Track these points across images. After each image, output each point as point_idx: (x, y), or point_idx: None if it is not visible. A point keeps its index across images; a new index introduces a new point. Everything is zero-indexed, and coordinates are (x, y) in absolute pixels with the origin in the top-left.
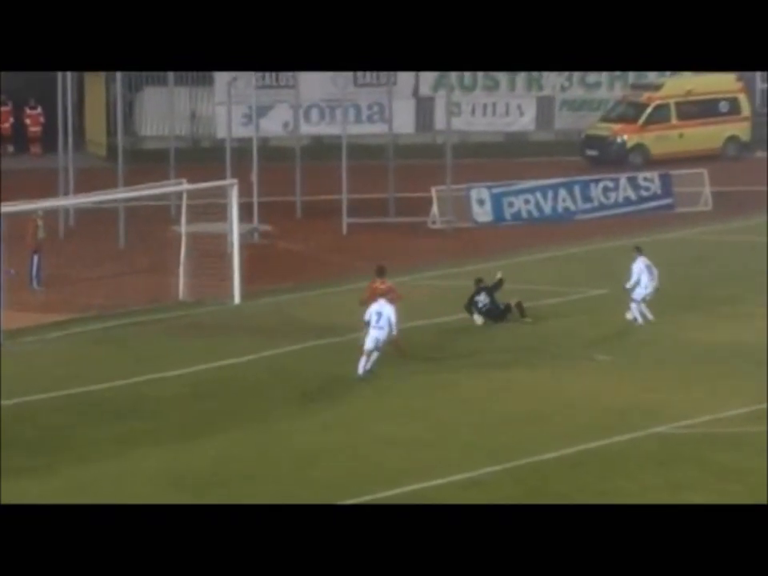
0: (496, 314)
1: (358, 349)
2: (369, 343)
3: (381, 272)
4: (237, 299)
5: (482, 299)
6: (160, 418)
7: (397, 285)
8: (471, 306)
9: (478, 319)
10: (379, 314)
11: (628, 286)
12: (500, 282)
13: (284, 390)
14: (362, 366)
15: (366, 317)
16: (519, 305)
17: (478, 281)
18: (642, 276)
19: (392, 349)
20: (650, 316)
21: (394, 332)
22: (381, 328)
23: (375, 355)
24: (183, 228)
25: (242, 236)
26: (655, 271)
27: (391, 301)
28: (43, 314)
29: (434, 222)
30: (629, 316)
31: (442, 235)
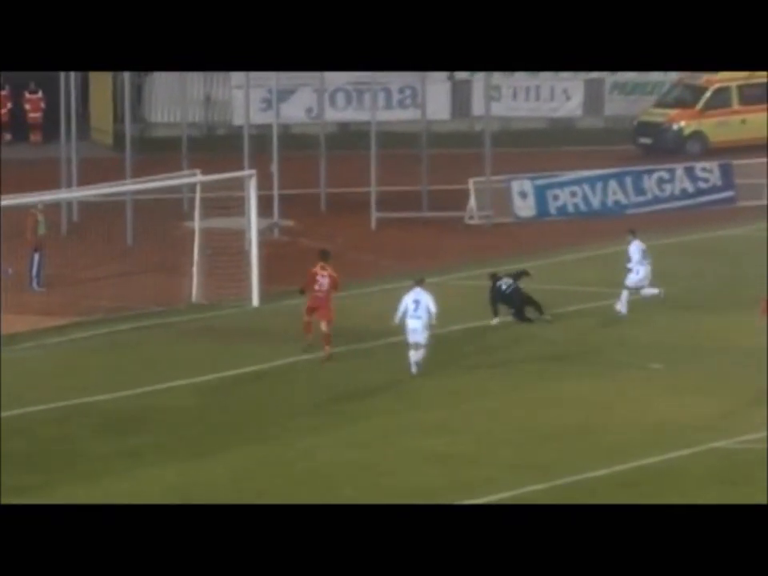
0: (518, 300)
1: (387, 356)
2: (410, 336)
3: (325, 256)
4: (255, 301)
5: (506, 282)
6: (170, 431)
7: (430, 286)
8: (495, 293)
9: (495, 320)
10: (417, 303)
11: (630, 265)
12: (524, 273)
13: (306, 402)
14: (412, 363)
15: (402, 308)
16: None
17: (493, 275)
18: (636, 263)
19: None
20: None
21: (434, 321)
22: (419, 317)
23: (421, 353)
24: (197, 223)
25: (260, 232)
26: (649, 259)
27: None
28: (43, 318)
29: (471, 218)
30: (618, 306)
31: (480, 232)
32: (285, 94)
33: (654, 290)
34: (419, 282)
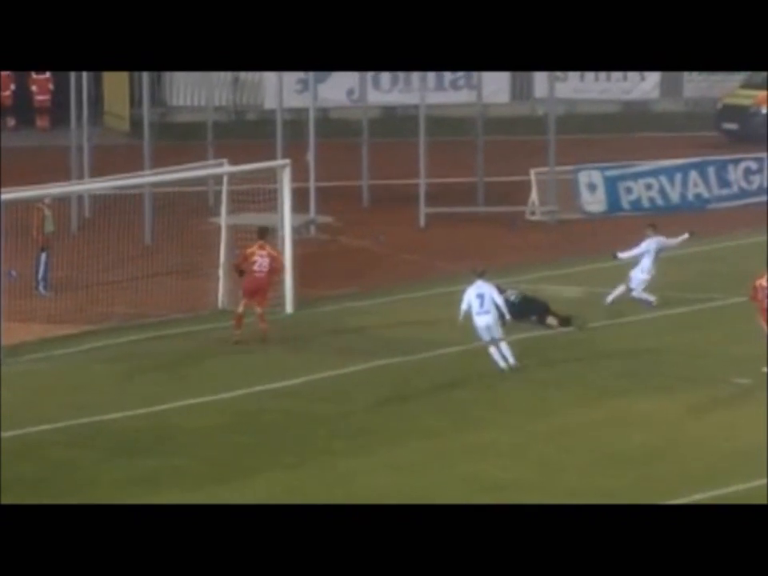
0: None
1: (437, 370)
2: (484, 335)
3: (263, 233)
4: (289, 307)
5: (512, 293)
6: (191, 454)
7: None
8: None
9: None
10: (481, 297)
11: (624, 255)
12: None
13: (345, 420)
14: (498, 358)
15: (464, 305)
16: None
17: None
18: (644, 259)
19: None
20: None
21: (507, 316)
22: (487, 312)
23: (504, 345)
24: (223, 220)
25: (295, 229)
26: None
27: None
28: (51, 326)
29: (533, 213)
30: (609, 299)
31: (543, 228)
32: (323, 75)
33: (651, 297)
34: (481, 275)
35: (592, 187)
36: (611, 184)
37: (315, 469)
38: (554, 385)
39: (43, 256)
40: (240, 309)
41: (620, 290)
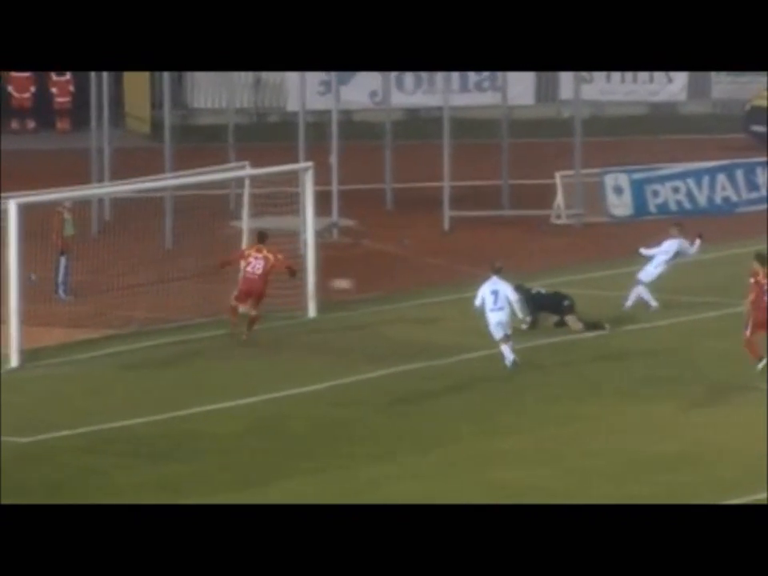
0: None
1: (461, 374)
2: (496, 331)
3: (262, 238)
4: (311, 312)
5: (536, 289)
6: (212, 460)
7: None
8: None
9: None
10: (495, 294)
11: (646, 252)
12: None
13: (370, 425)
14: (508, 354)
15: (478, 302)
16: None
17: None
18: (660, 256)
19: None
20: (653, 303)
21: (519, 314)
22: (501, 309)
23: (506, 346)
24: (245, 223)
25: (317, 233)
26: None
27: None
28: (71, 330)
29: (558, 217)
30: (629, 303)
31: (569, 232)
32: (346, 76)
33: (653, 302)
34: (497, 271)
35: (618, 190)
36: (638, 187)
37: (337, 475)
38: (580, 390)
39: (63, 260)
40: (233, 303)
41: (642, 291)
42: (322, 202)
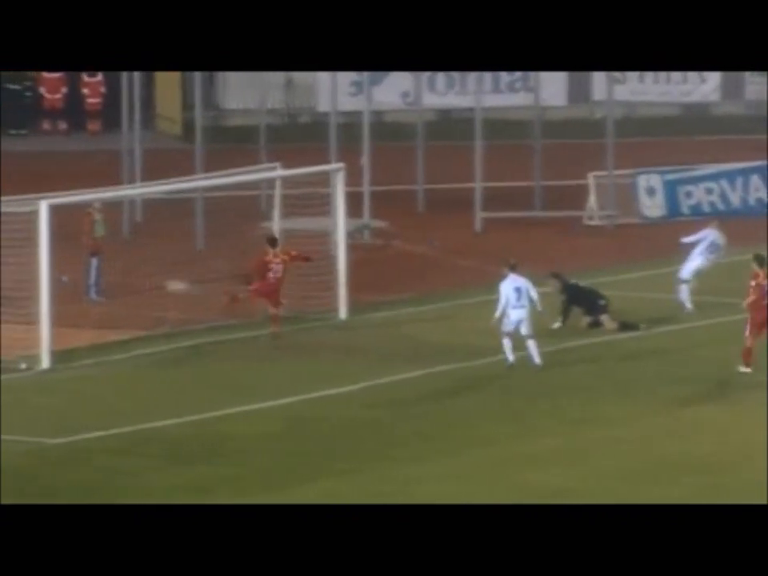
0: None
1: (493, 376)
2: (508, 326)
3: (273, 243)
4: (342, 313)
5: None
6: (246, 461)
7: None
8: (573, 293)
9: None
10: (518, 291)
11: (687, 239)
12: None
13: (403, 427)
14: (509, 351)
15: (503, 300)
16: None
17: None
18: (698, 246)
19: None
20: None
21: (539, 308)
22: (523, 306)
23: (532, 343)
24: (276, 224)
25: (349, 234)
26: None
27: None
28: (102, 331)
29: (591, 217)
30: (688, 306)
31: (602, 233)
32: (377, 77)
33: (688, 304)
34: (513, 268)
35: (651, 191)
36: (671, 188)
37: (370, 476)
38: (611, 391)
39: (94, 261)
40: (241, 295)
41: (684, 289)
42: (353, 203)
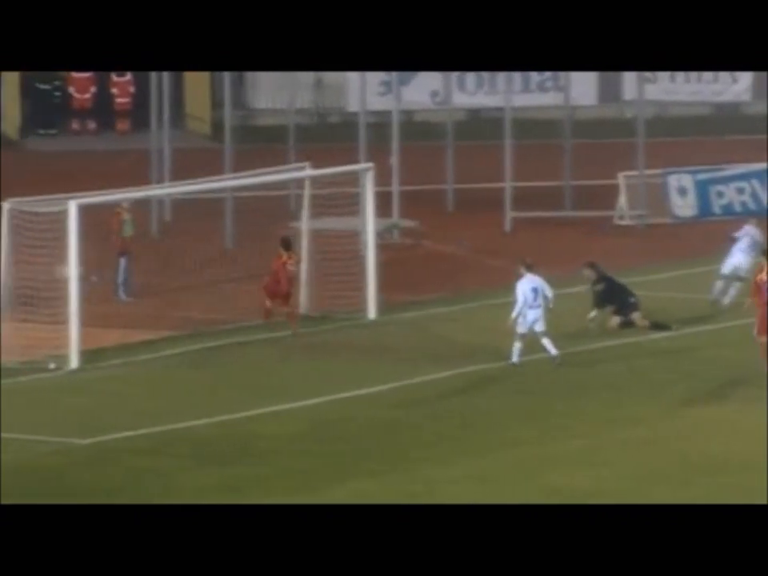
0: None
1: (521, 377)
2: (523, 326)
3: (287, 245)
4: (372, 313)
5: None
6: (275, 461)
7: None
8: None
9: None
10: (535, 291)
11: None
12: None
13: (429, 428)
14: (517, 353)
15: (521, 299)
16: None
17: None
18: (739, 243)
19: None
20: (726, 299)
21: (551, 305)
22: (539, 306)
23: (546, 340)
24: (305, 224)
25: (378, 234)
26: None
27: None
28: (131, 331)
29: (621, 217)
30: (720, 298)
31: (632, 233)
32: (407, 76)
33: (726, 299)
34: (529, 267)
35: (682, 191)
36: (702, 188)
37: (398, 477)
38: (641, 392)
39: (123, 260)
40: (268, 304)
41: (718, 285)
42: (383, 203)
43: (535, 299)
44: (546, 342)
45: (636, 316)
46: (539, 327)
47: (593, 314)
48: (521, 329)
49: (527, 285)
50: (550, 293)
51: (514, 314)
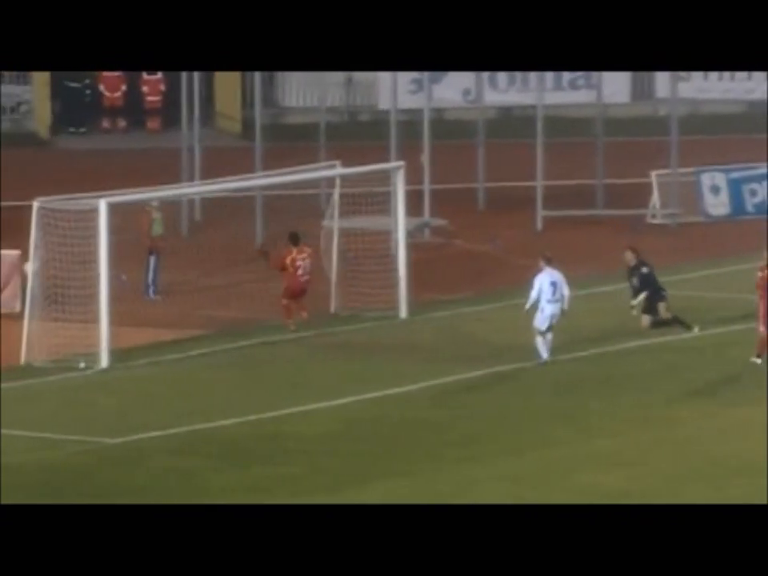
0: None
1: (554, 376)
2: (543, 322)
3: (295, 240)
4: (403, 312)
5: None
6: (305, 462)
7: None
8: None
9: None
10: (554, 285)
11: None
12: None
13: (461, 428)
14: (544, 349)
15: (535, 293)
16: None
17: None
18: None
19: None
20: None
21: (565, 306)
22: (558, 301)
23: (549, 337)
24: (336, 223)
25: (409, 233)
26: None
27: None
28: (160, 331)
29: (654, 216)
30: None
31: (665, 232)
32: (438, 74)
33: None
34: (549, 261)
35: (715, 189)
36: (735, 186)
37: (429, 477)
38: (676, 393)
39: (152, 260)
40: (285, 302)
41: None
42: (414, 202)
43: (554, 294)
44: (549, 339)
45: (661, 306)
46: (551, 324)
47: (636, 300)
48: (540, 325)
49: (546, 278)
50: (567, 291)
51: (527, 306)
